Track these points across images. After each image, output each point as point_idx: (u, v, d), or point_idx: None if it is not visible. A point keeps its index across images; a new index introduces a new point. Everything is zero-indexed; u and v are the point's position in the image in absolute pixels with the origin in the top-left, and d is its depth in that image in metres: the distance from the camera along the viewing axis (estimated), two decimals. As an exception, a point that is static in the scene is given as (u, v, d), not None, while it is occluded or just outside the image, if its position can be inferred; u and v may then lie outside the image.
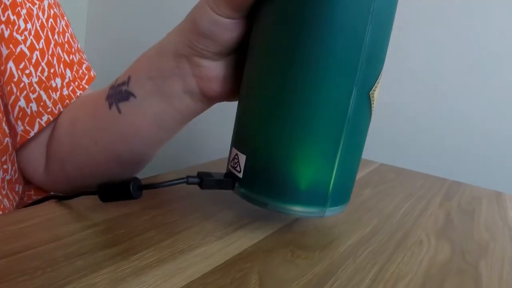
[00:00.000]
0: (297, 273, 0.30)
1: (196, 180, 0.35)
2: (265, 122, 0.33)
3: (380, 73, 0.33)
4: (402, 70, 0.88)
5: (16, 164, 0.50)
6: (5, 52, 0.45)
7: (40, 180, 0.52)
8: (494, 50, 0.80)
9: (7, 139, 0.46)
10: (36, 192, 0.55)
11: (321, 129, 0.31)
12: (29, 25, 0.46)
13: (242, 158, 0.34)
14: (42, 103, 0.48)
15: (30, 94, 0.47)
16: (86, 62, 0.55)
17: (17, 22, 0.45)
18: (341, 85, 0.31)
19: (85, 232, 0.31)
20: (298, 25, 0.30)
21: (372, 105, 0.33)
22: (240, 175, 0.34)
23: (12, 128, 0.48)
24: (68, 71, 0.51)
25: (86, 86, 0.53)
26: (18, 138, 0.48)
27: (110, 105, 0.43)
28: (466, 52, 0.83)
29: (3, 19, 0.45)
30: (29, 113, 0.47)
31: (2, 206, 0.46)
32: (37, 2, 0.48)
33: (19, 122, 0.47)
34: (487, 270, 0.35)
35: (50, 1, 0.51)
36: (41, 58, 0.47)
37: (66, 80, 0.50)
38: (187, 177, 0.35)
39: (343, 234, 0.38)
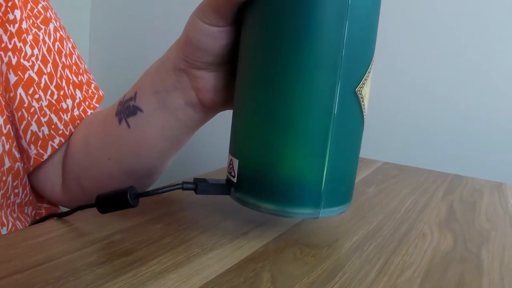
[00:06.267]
0: (306, 269, 0.31)
1: (191, 186, 0.35)
2: (253, 125, 0.33)
3: (366, 69, 0.32)
4: (397, 70, 0.89)
5: (27, 187, 0.51)
6: (13, 79, 0.46)
7: (59, 199, 0.54)
8: (488, 45, 0.82)
9: (18, 164, 0.48)
10: (48, 211, 0.57)
11: (306, 128, 0.31)
12: (35, 51, 0.48)
13: (236, 163, 0.34)
14: (53, 126, 0.49)
15: (41, 118, 0.48)
16: (94, 82, 0.57)
17: (23, 48, 0.47)
18: (323, 82, 0.31)
19: (102, 242, 0.32)
20: (275, 23, 0.31)
21: (362, 103, 0.33)
22: (235, 179, 0.35)
23: (24, 152, 0.49)
24: (78, 91, 0.53)
25: (97, 105, 0.54)
26: (32, 161, 0.49)
27: (120, 121, 0.44)
28: (459, 48, 0.84)
29: (10, 46, 0.46)
30: (41, 136, 0.49)
31: (14, 229, 0.48)
32: (43, 27, 0.50)
33: (32, 146, 0.49)
34: (488, 257, 0.37)
35: (55, 25, 0.52)
36: (49, 82, 0.49)
37: (77, 101, 0.52)
38: (183, 182, 0.35)
39: (349, 231, 0.39)
